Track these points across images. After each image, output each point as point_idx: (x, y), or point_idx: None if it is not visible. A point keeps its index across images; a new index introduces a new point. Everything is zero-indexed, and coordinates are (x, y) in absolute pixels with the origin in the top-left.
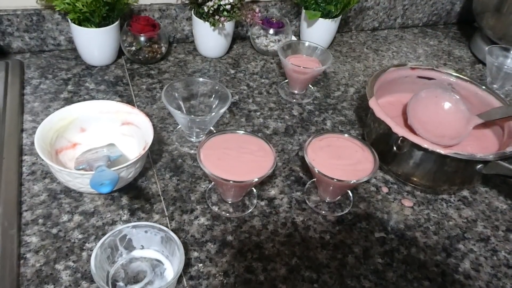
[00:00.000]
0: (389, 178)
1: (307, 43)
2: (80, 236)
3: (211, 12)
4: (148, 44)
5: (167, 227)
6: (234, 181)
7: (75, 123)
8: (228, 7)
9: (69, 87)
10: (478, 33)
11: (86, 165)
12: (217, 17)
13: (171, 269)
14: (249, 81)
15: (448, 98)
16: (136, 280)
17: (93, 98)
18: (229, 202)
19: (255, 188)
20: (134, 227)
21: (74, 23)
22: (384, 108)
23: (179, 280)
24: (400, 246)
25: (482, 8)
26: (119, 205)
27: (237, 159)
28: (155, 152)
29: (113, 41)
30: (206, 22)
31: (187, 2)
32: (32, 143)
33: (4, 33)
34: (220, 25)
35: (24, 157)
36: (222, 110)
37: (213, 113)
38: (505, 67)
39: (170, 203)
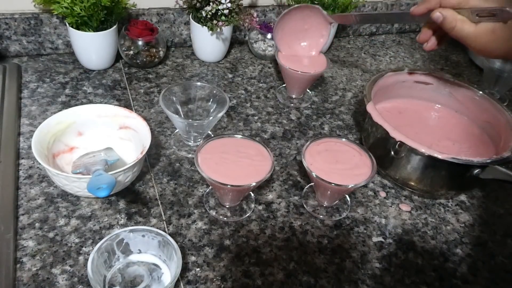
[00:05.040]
0: (386, 183)
1: None
2: (77, 240)
3: (209, 16)
4: (146, 48)
5: (164, 231)
6: (231, 186)
7: (73, 127)
8: (226, 11)
9: (67, 91)
10: None
11: (83, 169)
12: (215, 21)
13: (168, 274)
14: (247, 86)
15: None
16: (133, 285)
17: (90, 102)
18: (227, 206)
19: (252, 193)
20: (131, 231)
21: (72, 27)
22: (381, 114)
23: (177, 285)
24: (397, 251)
25: None
26: (116, 209)
27: (235, 163)
28: (152, 156)
29: (111, 45)
30: (204, 26)
31: (185, 6)
32: (29, 147)
33: (1, 36)
34: (218, 30)
35: (21, 161)
36: (220, 114)
37: (211, 117)
38: (502, 72)
39: (168, 207)
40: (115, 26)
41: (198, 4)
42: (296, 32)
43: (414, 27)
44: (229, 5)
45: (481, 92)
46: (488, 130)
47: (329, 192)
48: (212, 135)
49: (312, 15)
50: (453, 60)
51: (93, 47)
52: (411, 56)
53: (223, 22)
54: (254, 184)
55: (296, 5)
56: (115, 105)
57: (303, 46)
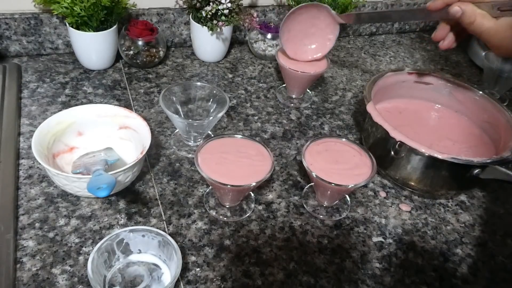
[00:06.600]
0: (386, 183)
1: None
2: (77, 240)
3: (209, 16)
4: (146, 48)
5: (164, 231)
6: (231, 186)
7: (73, 127)
8: (226, 11)
9: (67, 91)
10: (474, 38)
11: (83, 169)
12: (215, 21)
13: (168, 274)
14: (247, 86)
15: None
16: (133, 285)
17: (90, 102)
18: (227, 206)
19: (252, 193)
20: (131, 231)
21: (72, 27)
22: (381, 114)
23: (177, 285)
24: (397, 251)
25: None
26: (116, 209)
27: (235, 163)
28: (152, 156)
29: (111, 45)
30: (204, 26)
31: (185, 6)
32: (29, 147)
33: (1, 36)
34: (218, 30)
35: (21, 161)
36: (220, 114)
37: (211, 117)
38: (502, 72)
39: (168, 207)
40: (115, 26)
41: (198, 4)
42: (302, 35)
43: (414, 27)
44: (229, 5)
45: (481, 92)
46: (488, 130)
47: (329, 192)
48: (212, 135)
49: (320, 15)
50: (453, 60)
51: (93, 47)
52: (411, 56)
53: (223, 22)
54: (254, 184)
55: (303, 4)
56: (115, 105)
57: (310, 49)
